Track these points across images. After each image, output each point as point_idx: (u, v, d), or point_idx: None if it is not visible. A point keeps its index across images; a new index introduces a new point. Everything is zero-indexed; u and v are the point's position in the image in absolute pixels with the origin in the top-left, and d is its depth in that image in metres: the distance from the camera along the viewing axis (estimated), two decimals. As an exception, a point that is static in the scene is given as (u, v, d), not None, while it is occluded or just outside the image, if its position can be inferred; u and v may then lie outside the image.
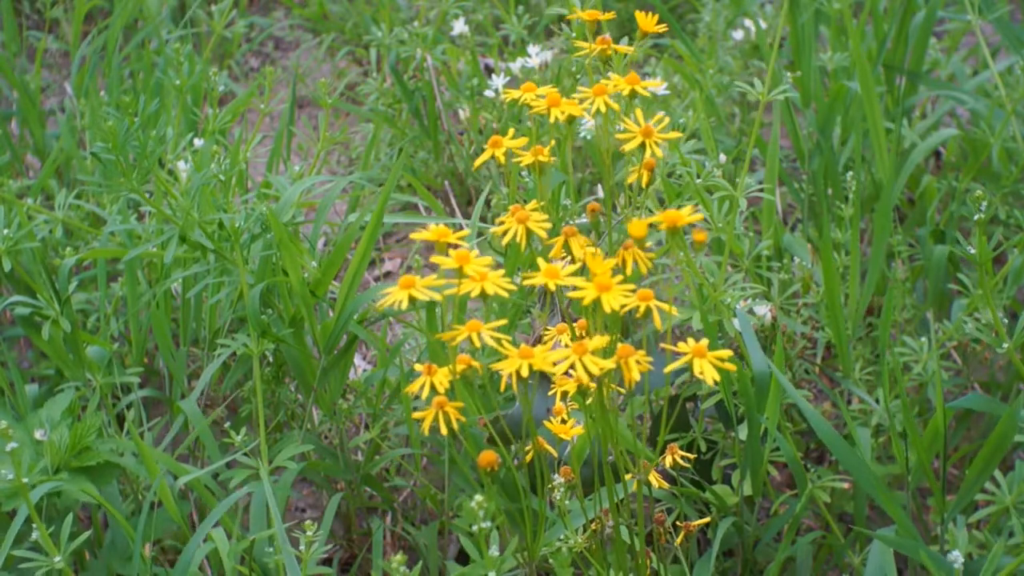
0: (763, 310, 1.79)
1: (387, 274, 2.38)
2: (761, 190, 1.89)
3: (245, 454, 1.66)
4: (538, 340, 1.60)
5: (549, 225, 1.23)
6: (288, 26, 3.11)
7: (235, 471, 1.62)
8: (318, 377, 1.77)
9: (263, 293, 1.75)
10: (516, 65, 2.32)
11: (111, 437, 1.74)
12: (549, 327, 1.34)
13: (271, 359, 1.84)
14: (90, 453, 1.62)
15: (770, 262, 1.89)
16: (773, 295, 1.85)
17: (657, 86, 1.26)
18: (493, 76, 2.28)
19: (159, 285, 1.84)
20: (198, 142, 2.02)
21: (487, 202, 2.26)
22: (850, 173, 1.93)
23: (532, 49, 2.31)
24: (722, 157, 1.90)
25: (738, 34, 2.54)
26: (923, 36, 2.21)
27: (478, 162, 1.27)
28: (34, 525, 1.40)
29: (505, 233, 1.21)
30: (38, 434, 1.64)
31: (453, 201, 2.45)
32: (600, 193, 2.22)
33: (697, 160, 1.78)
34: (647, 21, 1.33)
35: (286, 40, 3.12)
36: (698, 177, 1.70)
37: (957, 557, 1.19)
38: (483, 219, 2.12)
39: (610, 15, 1.36)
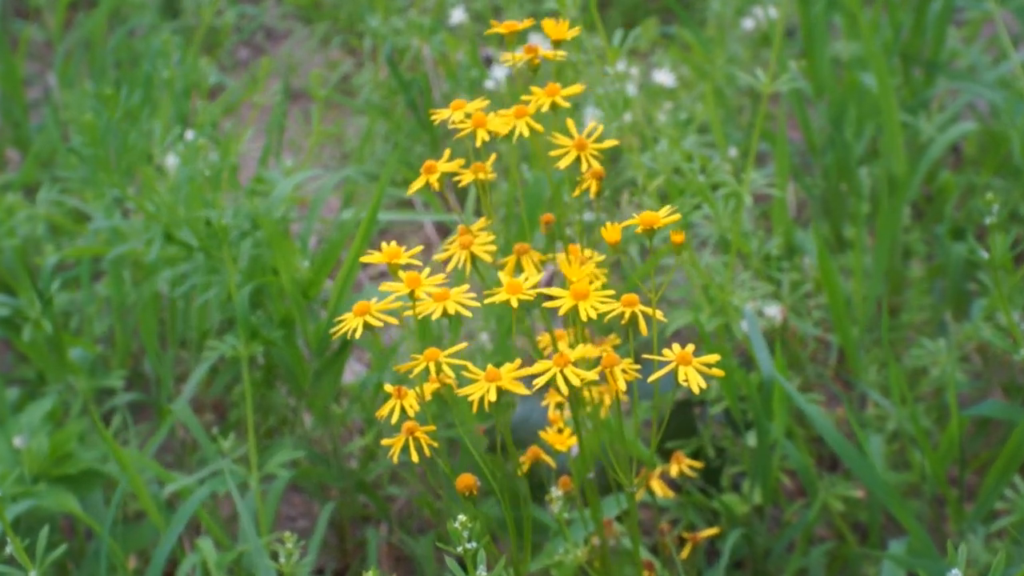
0: (773, 311, 1.79)
1: (382, 274, 2.38)
2: (770, 186, 1.89)
3: (234, 461, 1.66)
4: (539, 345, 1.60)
5: (495, 248, 1.23)
6: (279, 15, 3.11)
7: (223, 479, 1.62)
8: (310, 381, 1.77)
9: (253, 293, 1.75)
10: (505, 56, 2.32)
11: (93, 444, 1.74)
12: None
13: (261, 362, 1.84)
14: (71, 461, 1.62)
15: (780, 261, 1.89)
16: (783, 295, 1.85)
17: (576, 92, 1.25)
18: (493, 67, 2.28)
19: (144, 285, 1.84)
20: (189, 135, 2.03)
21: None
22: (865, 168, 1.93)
23: (534, 39, 2.30)
24: (732, 151, 1.90)
25: (748, 23, 2.54)
26: (941, 25, 2.21)
27: (411, 190, 1.26)
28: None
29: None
30: (17, 440, 1.64)
31: (451, 197, 2.45)
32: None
33: (706, 154, 1.78)
34: (556, 29, 1.30)
35: (277, 30, 3.12)
36: (702, 172, 1.70)
37: (956, 575, 1.19)
38: (481, 214, 2.12)
39: (528, 23, 1.32)
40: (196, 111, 2.32)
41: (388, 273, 2.43)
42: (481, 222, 1.26)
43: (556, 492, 1.35)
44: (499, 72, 2.25)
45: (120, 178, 1.66)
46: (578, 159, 1.23)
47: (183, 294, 1.87)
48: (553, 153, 1.23)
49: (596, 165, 1.23)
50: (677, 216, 1.15)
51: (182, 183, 1.71)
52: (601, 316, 1.14)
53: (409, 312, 1.14)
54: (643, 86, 2.21)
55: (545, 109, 1.23)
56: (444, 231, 2.43)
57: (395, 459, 1.17)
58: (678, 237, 1.17)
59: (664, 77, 2.15)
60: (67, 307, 2.05)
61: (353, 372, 2.09)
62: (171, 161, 1.97)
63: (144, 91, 1.94)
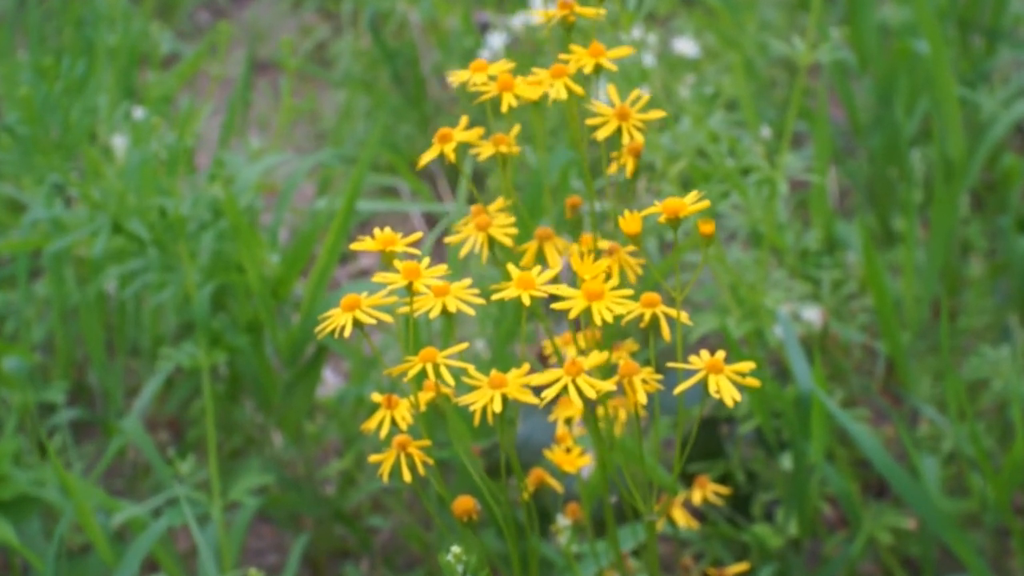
0: (811, 315, 1.79)
1: (362, 272, 2.38)
2: (808, 171, 1.89)
3: (193, 487, 1.66)
4: (542, 353, 1.60)
5: (515, 231, 1.22)
6: (245, -26, 3.11)
7: (180, 508, 1.62)
8: (280, 394, 1.77)
9: (214, 294, 1.75)
10: (517, 21, 2.32)
11: (30, 466, 1.74)
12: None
13: (224, 373, 1.84)
14: (6, 485, 1.62)
15: (820, 257, 1.89)
16: (823, 296, 1.86)
17: (624, 54, 1.25)
18: (490, 34, 2.28)
19: (90, 284, 1.85)
20: (137, 112, 2.03)
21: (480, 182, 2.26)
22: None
23: (536, 1, 2.31)
24: (765, 131, 1.90)
25: (784, -16, 2.54)
26: (1004, -14, 2.22)
27: (422, 162, 1.26)
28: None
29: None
30: (-56, 462, 1.64)
31: (441, 183, 2.45)
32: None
33: (735, 135, 1.78)
34: None
35: (243, -10, 3.12)
36: (731, 155, 1.70)
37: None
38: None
39: None
40: (147, 84, 2.32)
41: (370, 272, 2.43)
42: (499, 202, 1.26)
43: (563, 521, 1.35)
44: (496, 40, 2.25)
45: (61, 161, 1.66)
46: (618, 131, 1.22)
47: (134, 294, 1.87)
48: (591, 121, 1.23)
49: (639, 138, 1.23)
50: (706, 203, 1.14)
51: (132, 167, 1.71)
52: (617, 320, 1.14)
53: (404, 309, 1.13)
54: (662, 56, 2.22)
55: (588, 71, 1.22)
56: (433, 223, 2.43)
57: (385, 478, 1.17)
58: (707, 227, 1.16)
59: (686, 46, 2.15)
60: (1, 309, 2.05)
61: (329, 385, 2.09)
62: (119, 141, 1.97)
63: (87, 61, 1.94)
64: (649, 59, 1.92)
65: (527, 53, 2.32)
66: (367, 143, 2.37)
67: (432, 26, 2.48)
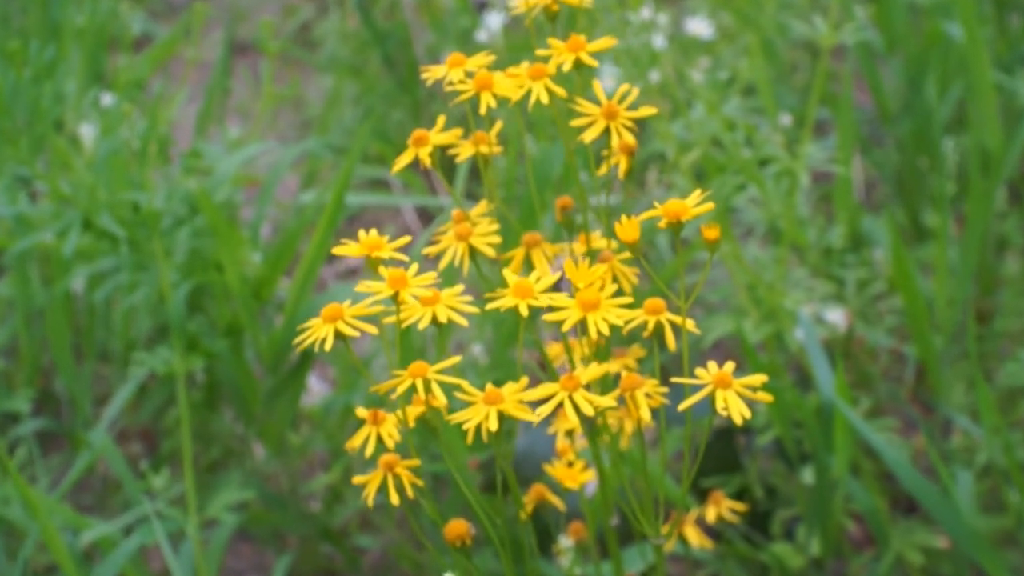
0: (835, 317, 1.80)
1: (351, 272, 2.39)
2: (832, 161, 1.90)
3: (168, 503, 1.67)
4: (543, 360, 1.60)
5: (498, 239, 1.22)
6: (224, -52, 3.12)
7: (153, 525, 1.63)
8: (262, 403, 1.78)
9: (191, 294, 1.76)
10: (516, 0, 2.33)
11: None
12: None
13: (202, 379, 1.84)
14: (-34, 502, 1.63)
15: (844, 255, 1.90)
16: (848, 297, 1.86)
17: (606, 47, 1.24)
18: (487, 13, 2.29)
19: (56, 285, 1.85)
20: (107, 99, 2.03)
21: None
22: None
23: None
24: (785, 118, 1.91)
25: (805, -41, 2.55)
26: (1044, -38, 2.22)
27: (396, 166, 1.25)
28: None
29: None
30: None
31: (435, 175, 2.45)
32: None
33: (752, 122, 1.78)
34: None
35: (221, -34, 3.13)
36: (748, 145, 1.71)
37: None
38: (473, 196, 2.13)
39: None
40: (117, 68, 2.32)
41: (358, 271, 2.44)
42: (481, 206, 1.26)
43: (566, 542, 1.36)
44: (494, 21, 2.25)
45: (29, 152, 1.66)
46: (606, 131, 1.22)
47: (105, 296, 1.87)
48: (576, 123, 1.22)
49: (629, 137, 1.22)
50: (711, 205, 1.14)
51: (102, 158, 1.72)
52: (619, 328, 1.13)
53: (391, 319, 1.13)
54: (674, 38, 2.22)
55: (568, 68, 1.22)
56: (427, 218, 2.44)
57: (370, 502, 1.17)
58: (712, 232, 1.15)
59: (700, 27, 2.16)
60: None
61: (314, 392, 2.10)
62: (87, 130, 1.97)
63: (47, 43, 1.95)
64: (660, 41, 1.93)
65: (527, 35, 2.32)
66: (356, 132, 2.38)
67: (425, 5, 2.49)
